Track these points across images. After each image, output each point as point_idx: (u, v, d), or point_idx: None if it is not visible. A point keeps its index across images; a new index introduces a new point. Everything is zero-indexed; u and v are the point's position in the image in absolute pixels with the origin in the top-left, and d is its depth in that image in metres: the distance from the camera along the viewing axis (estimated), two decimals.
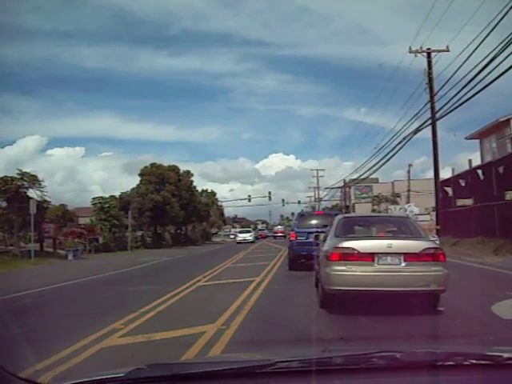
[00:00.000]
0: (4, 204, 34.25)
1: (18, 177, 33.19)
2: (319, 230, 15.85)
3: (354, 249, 8.84)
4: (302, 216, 20.58)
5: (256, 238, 73.28)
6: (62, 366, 5.96)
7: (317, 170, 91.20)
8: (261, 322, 8.72)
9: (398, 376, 2.05)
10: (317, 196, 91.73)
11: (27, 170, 34.25)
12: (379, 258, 8.76)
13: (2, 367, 1.85)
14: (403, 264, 8.70)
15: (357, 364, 2.06)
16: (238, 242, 60.60)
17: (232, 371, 1.93)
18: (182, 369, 2.04)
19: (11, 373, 1.89)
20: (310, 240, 15.91)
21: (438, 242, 12.73)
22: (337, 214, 13.90)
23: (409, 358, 2.16)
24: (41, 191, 34.36)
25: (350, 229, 10.35)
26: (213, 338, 7.29)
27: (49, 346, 6.92)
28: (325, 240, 10.66)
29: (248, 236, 64.38)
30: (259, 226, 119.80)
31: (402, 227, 10.23)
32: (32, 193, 33.73)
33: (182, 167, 64.40)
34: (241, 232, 70.01)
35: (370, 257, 8.79)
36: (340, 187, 72.61)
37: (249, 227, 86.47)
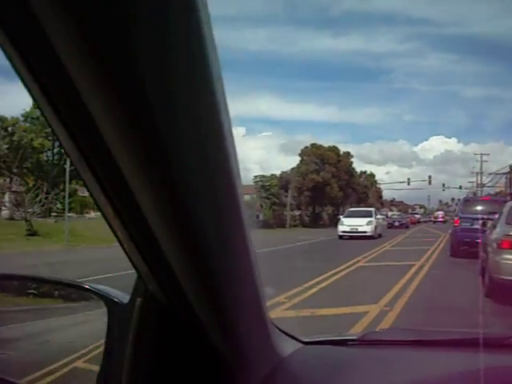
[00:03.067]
0: None
1: None
2: (485, 216, 15.22)
3: None
4: (467, 201, 19.84)
5: (392, 226, 48.94)
6: None
7: (481, 154, 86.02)
8: (423, 307, 8.73)
9: None
10: (479, 182, 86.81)
11: None
12: None
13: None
14: None
15: None
16: (341, 236, 29.71)
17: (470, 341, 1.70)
18: (420, 335, 1.78)
19: None
20: (476, 226, 15.32)
21: None
22: (505, 201, 13.27)
23: None
24: None
25: None
26: (376, 318, 7.49)
27: None
28: (494, 227, 10.30)
29: (364, 225, 29.76)
30: (417, 210, 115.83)
31: None
32: None
33: (341, 148, 64.07)
34: (348, 216, 32.56)
35: None
36: (505, 173, 68.05)
37: (369, 208, 37.24)
